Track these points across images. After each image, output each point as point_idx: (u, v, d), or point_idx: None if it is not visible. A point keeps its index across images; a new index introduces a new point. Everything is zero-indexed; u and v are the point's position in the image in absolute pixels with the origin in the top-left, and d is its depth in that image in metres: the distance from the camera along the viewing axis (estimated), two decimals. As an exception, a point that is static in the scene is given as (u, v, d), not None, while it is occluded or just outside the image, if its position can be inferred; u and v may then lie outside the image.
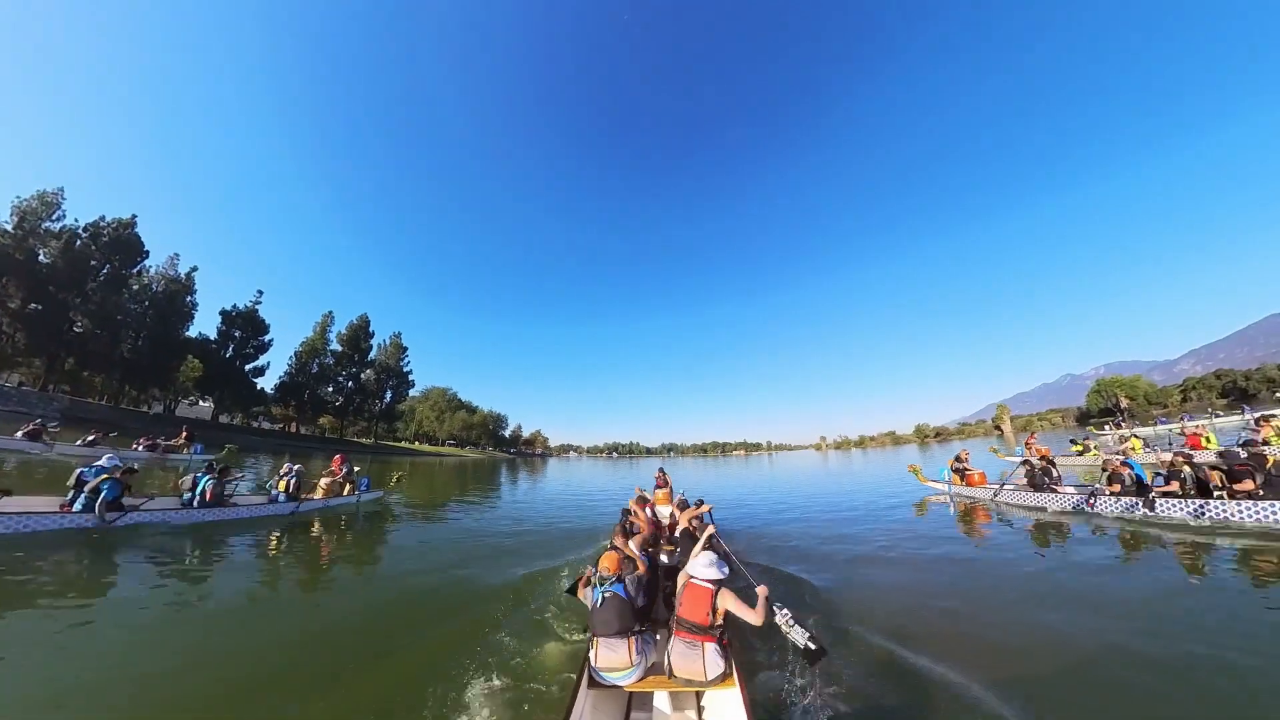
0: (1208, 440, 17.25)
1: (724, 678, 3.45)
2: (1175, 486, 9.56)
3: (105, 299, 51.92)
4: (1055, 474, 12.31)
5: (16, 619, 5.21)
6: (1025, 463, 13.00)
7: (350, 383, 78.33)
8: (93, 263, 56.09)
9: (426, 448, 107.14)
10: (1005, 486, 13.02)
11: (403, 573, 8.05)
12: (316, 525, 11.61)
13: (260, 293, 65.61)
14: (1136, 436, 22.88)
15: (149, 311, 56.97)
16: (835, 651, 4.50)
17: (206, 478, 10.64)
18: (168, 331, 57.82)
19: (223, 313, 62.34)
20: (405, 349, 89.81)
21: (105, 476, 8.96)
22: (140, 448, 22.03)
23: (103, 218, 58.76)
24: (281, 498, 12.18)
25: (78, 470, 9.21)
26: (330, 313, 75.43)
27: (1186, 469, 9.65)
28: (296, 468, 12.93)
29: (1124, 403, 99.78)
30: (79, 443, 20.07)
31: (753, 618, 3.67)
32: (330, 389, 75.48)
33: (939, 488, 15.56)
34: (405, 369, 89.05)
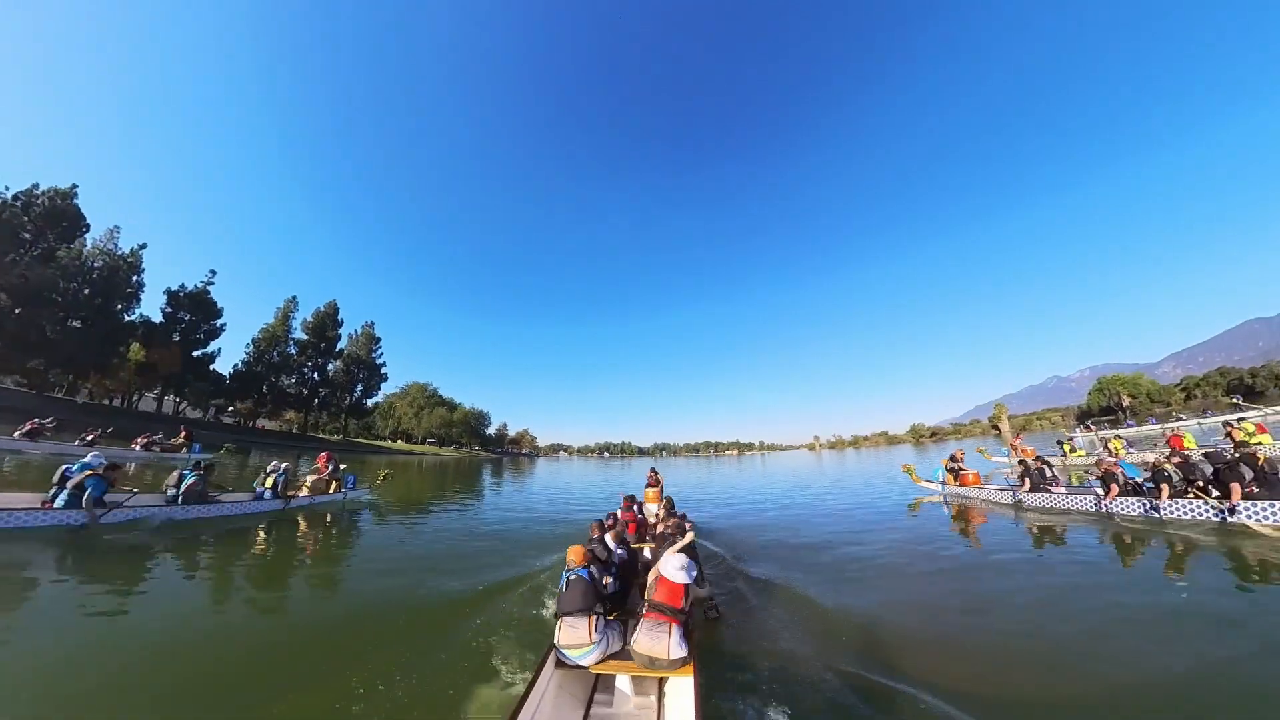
0: (1189, 441, 16.98)
1: (684, 662, 3.53)
2: (1165, 489, 9.29)
3: (28, 272, 46.42)
4: (1051, 474, 12.17)
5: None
6: (1021, 463, 12.88)
7: (315, 374, 72.92)
8: (25, 235, 51.03)
9: (402, 446, 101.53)
10: (998, 487, 13.07)
11: (380, 572, 7.78)
12: (301, 523, 11.42)
13: (213, 272, 60.20)
14: (1119, 437, 22.51)
15: (81, 290, 51.45)
16: (801, 650, 4.73)
17: (191, 474, 10.53)
18: (105, 313, 52.37)
19: (168, 293, 56.82)
20: (378, 340, 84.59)
21: (89, 473, 8.89)
22: (138, 447, 21.99)
23: (36, 186, 53.49)
24: (267, 495, 12.04)
25: (61, 468, 9.22)
26: (294, 297, 70.24)
27: (1170, 469, 9.51)
28: (284, 465, 12.80)
29: (1126, 401, 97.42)
30: (77, 442, 19.88)
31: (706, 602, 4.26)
32: (292, 380, 70.03)
33: (933, 488, 15.47)
34: (378, 361, 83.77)
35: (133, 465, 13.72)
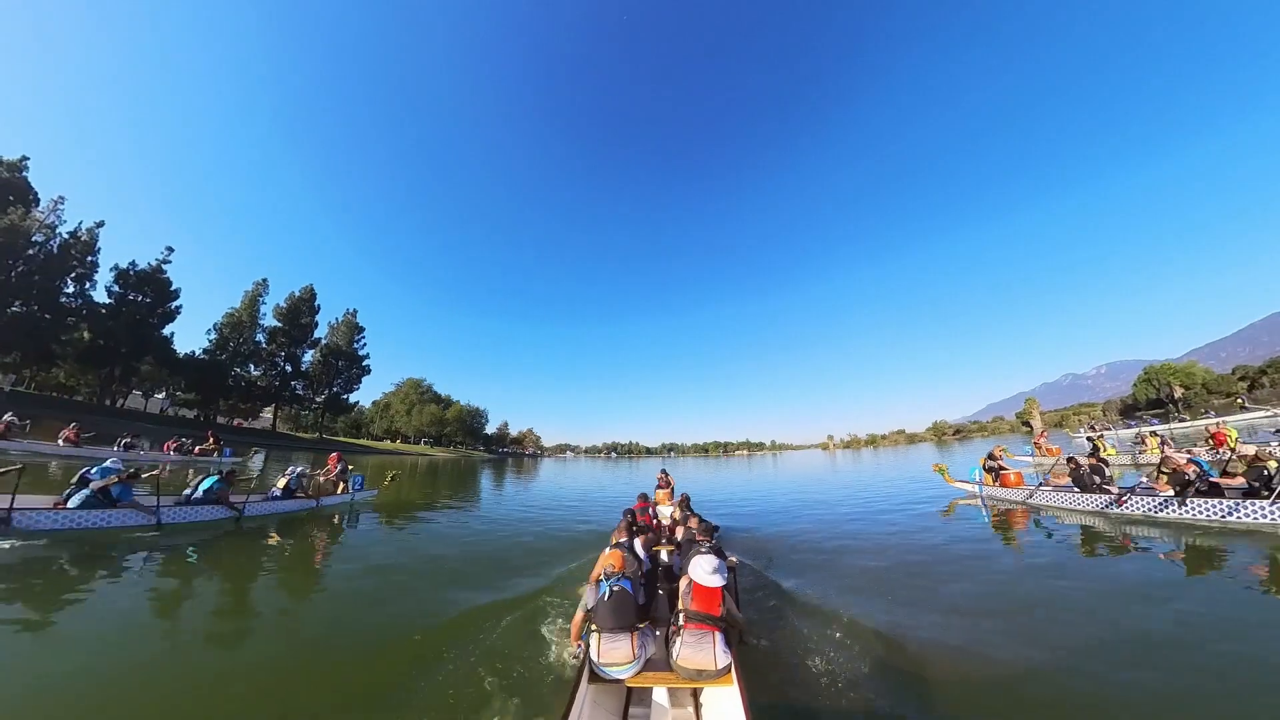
0: (1232, 438, 15.72)
1: (726, 671, 3.42)
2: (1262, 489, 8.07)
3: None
4: (1107, 473, 11.02)
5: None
6: (1070, 459, 11.96)
7: (288, 365, 67.04)
8: (-38, 210, 45.68)
9: (389, 445, 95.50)
10: (1044, 488, 12.04)
11: (389, 582, 7.33)
12: (306, 524, 11.46)
13: (170, 249, 54.54)
14: (1155, 434, 21.58)
15: (16, 267, 45.97)
16: (835, 653, 4.54)
17: (212, 479, 10.57)
18: (45, 294, 46.83)
19: (116, 271, 51.16)
20: (361, 329, 78.72)
21: (114, 479, 8.90)
22: (170, 451, 23.11)
23: (-25, 157, 48.04)
24: (277, 494, 12.18)
25: (82, 470, 9.15)
26: (264, 280, 64.33)
27: (1273, 467, 8.27)
28: (300, 468, 13.23)
29: (1178, 392, 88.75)
30: (114, 447, 20.81)
31: (740, 626, 3.79)
32: (258, 371, 64.13)
33: (968, 489, 14.54)
34: (360, 352, 77.84)
35: (169, 468, 14.29)
